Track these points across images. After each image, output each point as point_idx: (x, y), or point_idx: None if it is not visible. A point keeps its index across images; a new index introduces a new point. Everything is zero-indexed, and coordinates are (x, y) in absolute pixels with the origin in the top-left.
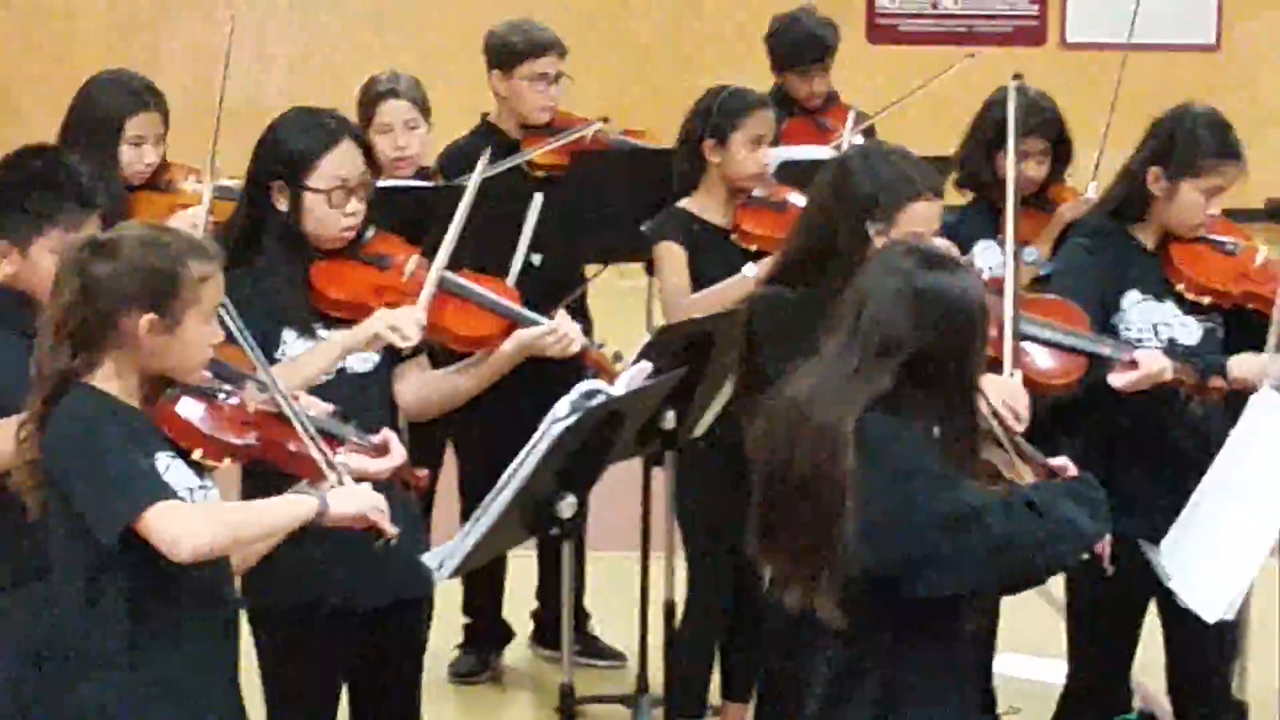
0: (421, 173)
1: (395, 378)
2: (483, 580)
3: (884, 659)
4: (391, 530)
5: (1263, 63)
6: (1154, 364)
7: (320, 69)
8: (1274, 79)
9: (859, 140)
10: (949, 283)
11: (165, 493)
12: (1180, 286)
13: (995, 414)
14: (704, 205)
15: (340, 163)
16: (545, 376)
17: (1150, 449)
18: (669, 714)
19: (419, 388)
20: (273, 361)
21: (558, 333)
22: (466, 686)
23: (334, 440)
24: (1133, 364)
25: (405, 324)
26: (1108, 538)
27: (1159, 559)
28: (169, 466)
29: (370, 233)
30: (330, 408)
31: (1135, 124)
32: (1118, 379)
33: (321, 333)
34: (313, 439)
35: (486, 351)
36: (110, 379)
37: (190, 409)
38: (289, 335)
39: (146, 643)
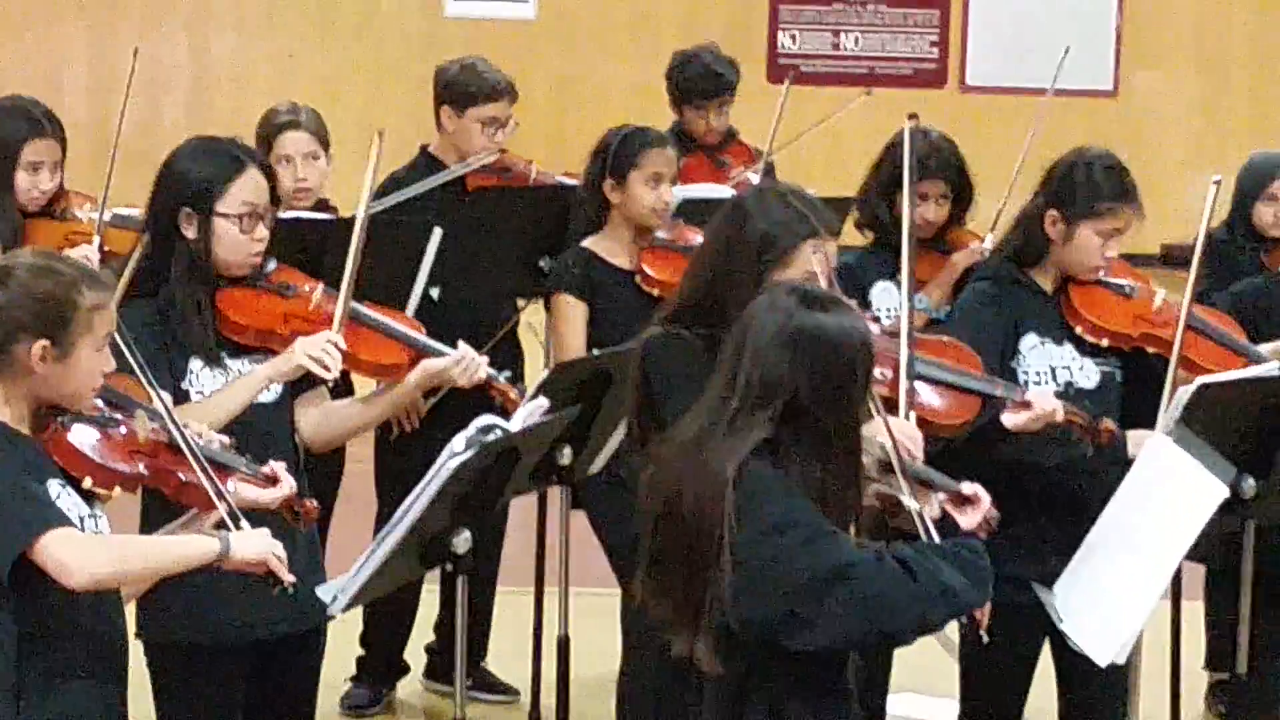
0: (320, 205)
1: (296, 408)
2: (386, 614)
3: (768, 707)
4: (289, 578)
5: (1160, 110)
6: (1046, 404)
7: (217, 100)
8: (1171, 126)
9: (757, 180)
10: (827, 322)
11: (60, 519)
12: (1079, 329)
13: (896, 445)
14: (608, 247)
15: (248, 188)
16: (466, 410)
17: (1045, 492)
18: None
19: (320, 419)
20: (180, 392)
21: (463, 363)
22: None
23: (223, 470)
24: (1025, 404)
25: (328, 356)
26: (988, 605)
27: (1052, 600)
28: (59, 495)
29: (272, 264)
30: (224, 438)
31: (1034, 169)
32: (1010, 419)
33: (229, 362)
34: (203, 469)
35: (391, 381)
36: (0, 406)
37: (81, 437)
38: (195, 364)
39: (34, 681)
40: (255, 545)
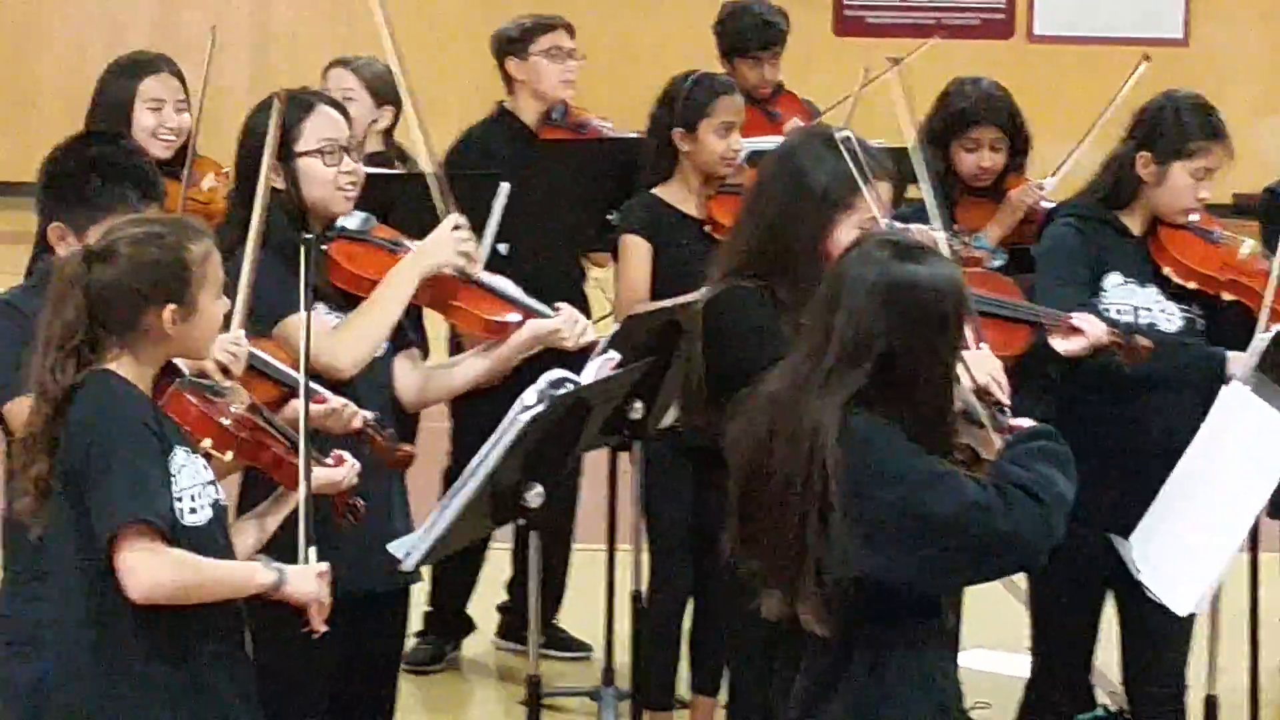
0: (399, 154)
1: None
2: (454, 571)
3: (864, 659)
4: (320, 627)
5: (1229, 59)
6: (1095, 329)
7: (277, 64)
8: (1240, 75)
9: None
10: (924, 274)
11: (160, 512)
12: (1167, 270)
13: (975, 391)
14: (677, 194)
15: (322, 125)
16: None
17: (1120, 441)
18: (636, 707)
19: (421, 381)
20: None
21: (570, 323)
22: (432, 678)
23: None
24: (1078, 330)
25: (470, 246)
26: None
27: (1129, 552)
28: (184, 464)
29: (372, 220)
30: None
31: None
32: (1064, 345)
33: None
34: (292, 446)
35: (498, 340)
36: (128, 370)
37: (194, 399)
38: (320, 308)
39: (157, 640)
40: (307, 587)
